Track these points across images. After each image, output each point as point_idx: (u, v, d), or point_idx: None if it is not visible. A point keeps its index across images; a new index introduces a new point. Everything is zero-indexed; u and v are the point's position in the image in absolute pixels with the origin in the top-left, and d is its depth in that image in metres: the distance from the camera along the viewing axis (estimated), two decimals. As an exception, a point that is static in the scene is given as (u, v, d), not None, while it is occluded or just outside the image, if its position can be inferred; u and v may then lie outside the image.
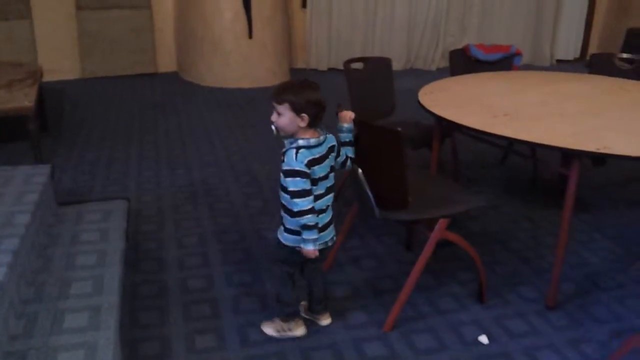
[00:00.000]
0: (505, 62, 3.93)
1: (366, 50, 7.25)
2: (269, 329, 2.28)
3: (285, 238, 2.12)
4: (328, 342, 2.24)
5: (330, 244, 2.18)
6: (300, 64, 7.29)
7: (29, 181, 2.65)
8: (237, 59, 6.19)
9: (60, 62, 6.04)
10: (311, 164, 1.97)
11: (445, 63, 7.58)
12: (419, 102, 2.88)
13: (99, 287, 2.18)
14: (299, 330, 2.28)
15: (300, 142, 1.98)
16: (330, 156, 2.06)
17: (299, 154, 1.95)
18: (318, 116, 1.98)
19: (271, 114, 2.01)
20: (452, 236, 2.36)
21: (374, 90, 3.49)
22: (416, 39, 7.47)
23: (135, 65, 6.55)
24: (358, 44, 7.28)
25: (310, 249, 2.03)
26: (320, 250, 2.09)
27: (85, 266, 2.29)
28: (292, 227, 2.08)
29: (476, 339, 2.28)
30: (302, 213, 1.97)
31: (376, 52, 7.23)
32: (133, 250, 2.84)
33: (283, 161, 2.00)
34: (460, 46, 4.08)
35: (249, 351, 2.18)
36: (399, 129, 2.07)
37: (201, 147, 4.40)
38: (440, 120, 2.72)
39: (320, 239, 2.09)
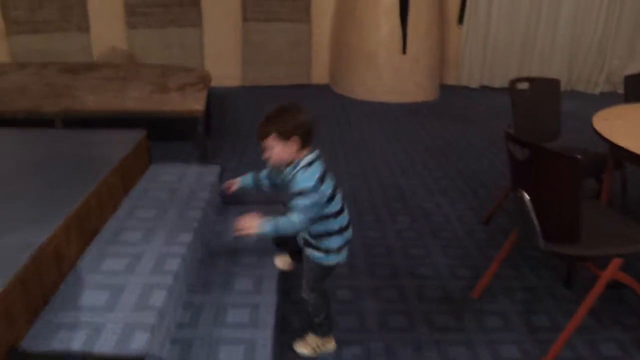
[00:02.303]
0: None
1: (523, 69, 6.95)
2: (303, 349, 2.22)
3: (332, 259, 2.05)
4: (479, 373, 2.16)
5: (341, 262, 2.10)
6: (450, 80, 7.16)
7: (200, 180, 2.86)
8: (389, 73, 6.23)
9: (224, 70, 6.46)
10: (320, 180, 1.90)
11: (610, 87, 7.05)
12: (594, 128, 2.68)
13: (258, 285, 2.28)
14: (331, 345, 2.24)
15: (303, 162, 1.91)
16: (329, 173, 1.98)
17: (308, 172, 1.89)
18: (308, 136, 1.91)
19: (261, 153, 1.97)
20: (626, 278, 2.16)
21: (539, 112, 3.31)
22: (579, 60, 7.02)
23: (291, 76, 6.83)
24: (514, 62, 6.99)
25: (257, 231, 1.92)
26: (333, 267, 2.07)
27: (246, 264, 2.41)
28: (334, 247, 2.02)
29: (646, 394, 2.07)
30: (298, 225, 1.89)
31: (534, 72, 6.90)
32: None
33: (292, 186, 1.92)
34: (628, 70, 3.75)
35: (396, 370, 2.16)
36: (579, 156, 1.94)
37: (350, 159, 4.46)
38: (615, 149, 2.51)
39: (342, 257, 2.06)
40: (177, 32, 6.35)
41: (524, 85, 3.32)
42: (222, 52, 6.59)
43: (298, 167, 1.91)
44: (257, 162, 4.24)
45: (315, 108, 6.03)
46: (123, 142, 2.79)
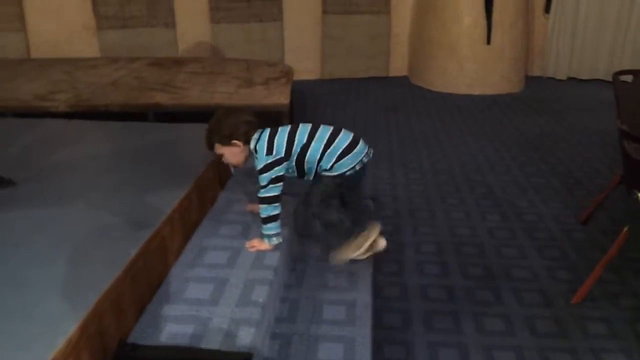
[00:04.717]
0: None
1: (613, 61, 6.56)
2: (345, 255, 2.26)
3: (333, 171, 2.14)
4: (587, 383, 2.04)
5: (357, 167, 2.18)
6: (536, 72, 6.87)
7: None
8: (472, 64, 6.05)
9: (303, 63, 6.48)
10: (270, 146, 2.07)
11: None
12: None
13: (353, 283, 2.26)
14: (373, 232, 2.26)
15: (253, 148, 2.11)
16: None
17: (258, 150, 2.07)
18: (248, 132, 2.09)
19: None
20: None
21: (644, 107, 3.10)
22: (678, 49, 6.55)
23: (370, 68, 6.78)
24: (605, 53, 6.61)
25: (267, 244, 2.15)
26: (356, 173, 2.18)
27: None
28: (330, 163, 2.13)
29: None
30: (268, 200, 2.09)
31: (625, 63, 6.49)
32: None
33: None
34: None
35: (496, 375, 2.08)
36: None
37: (433, 153, 4.36)
38: None
39: (344, 165, 2.14)
40: (259, 27, 6.42)
41: (628, 78, 3.12)
42: (302, 46, 6.61)
43: (253, 155, 2.13)
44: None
45: (394, 100, 5.96)
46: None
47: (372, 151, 2.27)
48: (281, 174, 2.09)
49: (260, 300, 1.86)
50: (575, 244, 2.98)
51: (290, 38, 6.56)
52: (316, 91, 6.27)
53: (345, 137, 2.17)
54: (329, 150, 2.12)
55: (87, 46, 6.36)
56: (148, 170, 2.52)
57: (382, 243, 2.41)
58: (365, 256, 2.29)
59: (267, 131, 2.13)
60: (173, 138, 2.99)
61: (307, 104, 5.77)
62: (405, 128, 5.02)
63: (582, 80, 6.70)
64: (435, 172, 4.00)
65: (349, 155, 2.15)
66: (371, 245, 2.30)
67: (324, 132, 2.16)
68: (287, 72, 4.72)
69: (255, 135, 2.11)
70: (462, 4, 5.92)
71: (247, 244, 2.19)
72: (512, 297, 2.53)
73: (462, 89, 6.12)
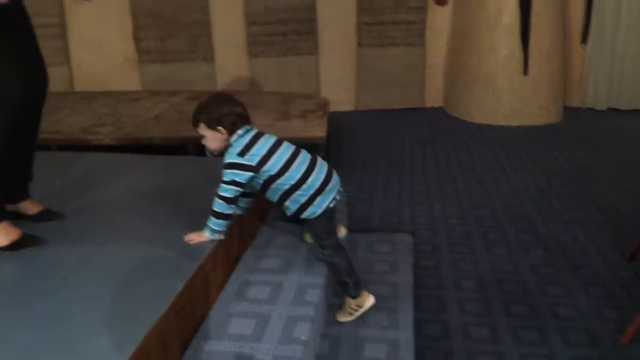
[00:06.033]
0: None
1: (655, 90, 6.45)
2: (344, 317, 2.25)
3: (309, 214, 2.14)
4: None
5: (338, 197, 2.21)
6: (574, 102, 6.78)
7: (330, 208, 2.87)
8: (509, 95, 6.01)
9: (338, 95, 6.52)
10: (246, 149, 2.04)
11: None
12: None
13: (394, 320, 2.24)
14: (369, 301, 2.27)
15: (232, 138, 2.05)
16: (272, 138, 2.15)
17: (230, 149, 2.05)
18: (235, 124, 2.04)
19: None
20: None
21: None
22: None
23: (404, 99, 6.79)
24: (646, 82, 6.50)
25: (207, 235, 2.11)
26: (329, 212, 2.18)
27: (379, 296, 2.37)
28: (299, 204, 2.12)
29: None
30: (223, 199, 2.06)
31: (667, 92, 6.38)
32: (414, 284, 2.86)
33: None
34: None
35: (544, 419, 2.01)
36: None
37: (472, 186, 4.32)
38: None
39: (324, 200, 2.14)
40: (295, 60, 6.52)
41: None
42: (337, 78, 6.68)
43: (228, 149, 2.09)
44: (375, 187, 4.28)
45: (430, 131, 5.95)
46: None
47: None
48: (243, 181, 2.06)
49: (303, 337, 1.85)
50: (622, 282, 2.89)
51: (326, 70, 6.64)
52: (351, 122, 6.30)
53: (319, 174, 2.14)
54: (302, 187, 2.11)
55: (129, 79, 6.55)
56: (191, 204, 2.56)
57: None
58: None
59: (252, 132, 2.10)
60: (214, 172, 3.03)
61: (343, 135, 5.80)
62: (442, 160, 4.99)
63: (622, 110, 6.59)
64: (474, 205, 3.95)
65: (323, 194, 2.14)
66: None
67: (301, 162, 2.15)
68: (324, 105, 4.77)
69: (241, 131, 2.07)
70: (498, 34, 5.92)
71: (185, 238, 2.15)
72: (558, 337, 2.46)
73: (500, 120, 6.07)
